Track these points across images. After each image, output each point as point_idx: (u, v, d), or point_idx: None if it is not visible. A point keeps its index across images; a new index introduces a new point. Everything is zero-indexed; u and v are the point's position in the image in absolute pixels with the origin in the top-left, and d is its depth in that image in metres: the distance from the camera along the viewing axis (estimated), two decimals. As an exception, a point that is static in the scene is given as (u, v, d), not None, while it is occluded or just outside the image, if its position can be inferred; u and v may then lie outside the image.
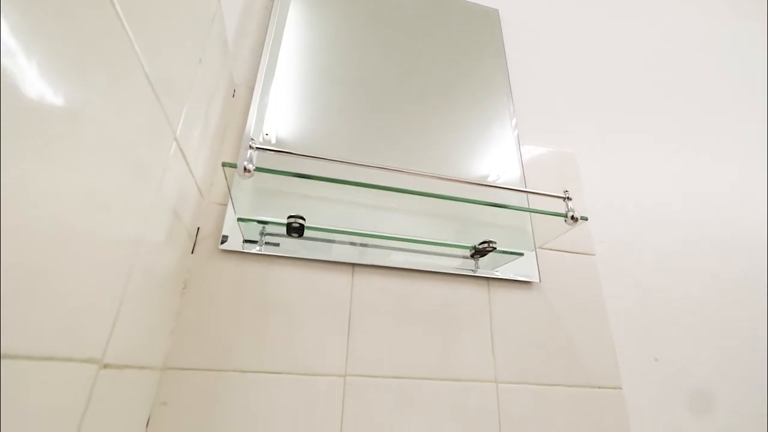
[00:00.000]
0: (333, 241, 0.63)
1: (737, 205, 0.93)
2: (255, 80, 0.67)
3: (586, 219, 0.55)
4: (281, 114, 0.68)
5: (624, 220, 0.83)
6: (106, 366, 0.34)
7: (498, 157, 0.78)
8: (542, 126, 0.88)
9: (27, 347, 0.24)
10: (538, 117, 0.88)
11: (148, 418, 0.47)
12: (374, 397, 0.55)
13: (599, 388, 0.64)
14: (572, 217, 0.54)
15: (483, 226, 0.71)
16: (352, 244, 0.64)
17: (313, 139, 0.68)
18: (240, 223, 0.58)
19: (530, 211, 0.60)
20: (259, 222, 0.59)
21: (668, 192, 0.90)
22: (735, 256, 0.86)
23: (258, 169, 0.46)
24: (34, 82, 0.22)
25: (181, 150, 0.45)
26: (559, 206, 0.57)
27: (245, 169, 0.45)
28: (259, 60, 0.70)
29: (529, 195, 0.72)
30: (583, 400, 0.62)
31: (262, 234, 0.62)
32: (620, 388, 0.65)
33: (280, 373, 0.53)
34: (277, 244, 0.60)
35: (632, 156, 0.92)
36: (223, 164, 0.45)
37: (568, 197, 0.56)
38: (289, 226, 0.57)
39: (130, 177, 0.34)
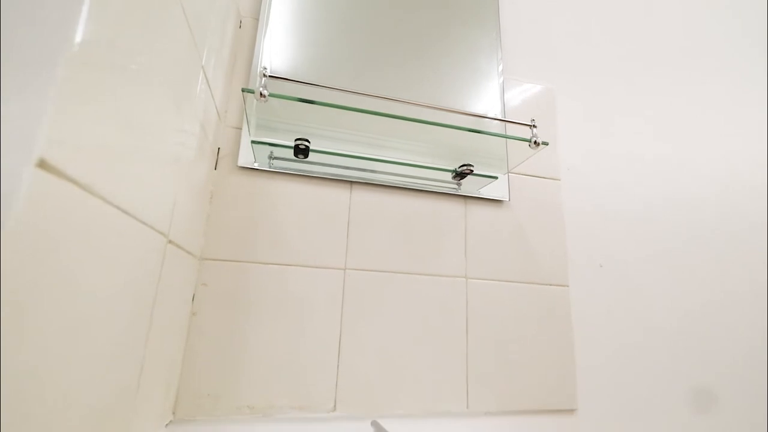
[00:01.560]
0: (333, 165, 0.73)
1: (705, 152, 1.03)
2: (259, 11, 0.72)
3: (547, 144, 0.65)
4: (278, 44, 0.74)
5: (592, 150, 0.93)
6: (170, 242, 0.46)
7: (482, 88, 0.86)
8: (526, 61, 0.94)
9: (134, 211, 0.35)
10: (524, 52, 0.94)
11: (193, 295, 0.60)
12: (369, 286, 0.69)
13: (550, 285, 0.79)
14: (535, 142, 0.64)
15: (465, 155, 0.80)
16: (348, 167, 0.74)
17: (308, 69, 0.74)
18: (253, 145, 0.68)
19: (499, 136, 0.69)
20: (270, 144, 0.68)
21: (640, 132, 0.99)
22: (689, 192, 0.98)
23: (271, 95, 0.55)
24: (93, 18, 0.30)
25: (206, 78, 0.53)
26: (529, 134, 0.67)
27: (261, 94, 0.54)
28: (261, -9, 0.74)
29: (507, 124, 0.82)
30: (535, 294, 0.78)
31: (270, 158, 0.71)
32: (567, 286, 0.81)
33: (291, 265, 0.66)
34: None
35: (612, 97, 0.99)
36: (243, 90, 0.53)
37: (534, 125, 0.66)
38: (296, 147, 0.67)
39: (172, 102, 0.43)
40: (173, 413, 0.56)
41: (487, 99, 0.86)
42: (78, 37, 0.24)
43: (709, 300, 0.91)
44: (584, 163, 0.92)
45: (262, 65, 0.58)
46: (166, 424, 0.54)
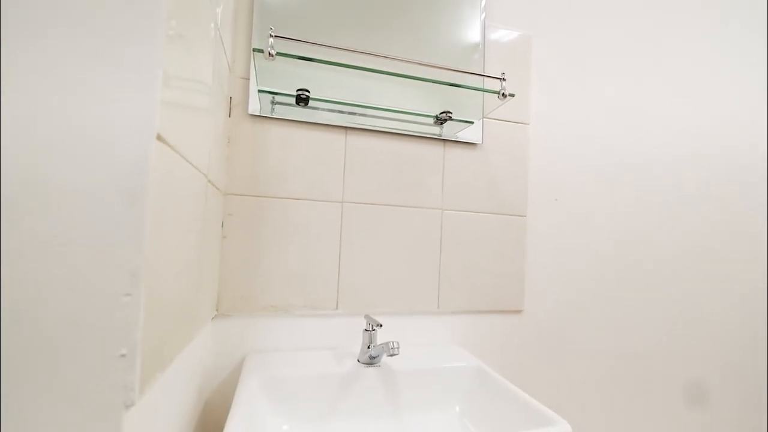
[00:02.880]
0: (331, 111, 0.83)
1: (672, 104, 1.14)
2: (256, -38, 0.76)
3: (513, 95, 0.77)
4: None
5: (561, 97, 1.04)
6: (209, 181, 0.59)
7: (465, 36, 0.93)
8: (508, 6, 0.99)
9: (192, 159, 0.47)
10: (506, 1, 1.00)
11: (222, 222, 0.75)
12: (363, 215, 0.84)
13: (510, 215, 0.96)
14: (503, 94, 0.75)
15: (445, 102, 0.91)
16: (341, 112, 0.84)
17: (303, 17, 0.81)
18: (260, 94, 0.77)
19: (472, 89, 0.80)
20: (276, 93, 0.78)
21: (609, 82, 1.08)
22: (647, 140, 1.12)
23: (278, 54, 0.64)
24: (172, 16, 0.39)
25: (219, 33, 0.61)
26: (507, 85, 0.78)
27: (269, 53, 0.63)
28: (257, -62, 0.77)
29: (485, 72, 0.91)
30: (498, 222, 0.95)
31: (272, 103, 0.81)
32: (525, 216, 0.98)
33: (298, 199, 0.80)
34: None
35: (587, 46, 1.07)
36: (254, 49, 0.62)
37: (503, 78, 0.76)
38: (298, 97, 0.77)
39: (200, 57, 0.53)
40: (216, 310, 0.74)
41: (468, 47, 0.93)
42: (162, 44, 0.35)
43: (646, 230, 1.10)
44: (552, 108, 1.03)
45: (270, 26, 0.65)
46: (213, 318, 0.73)
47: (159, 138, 0.35)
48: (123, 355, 0.32)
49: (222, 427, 0.73)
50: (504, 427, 0.64)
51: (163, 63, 0.34)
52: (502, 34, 0.98)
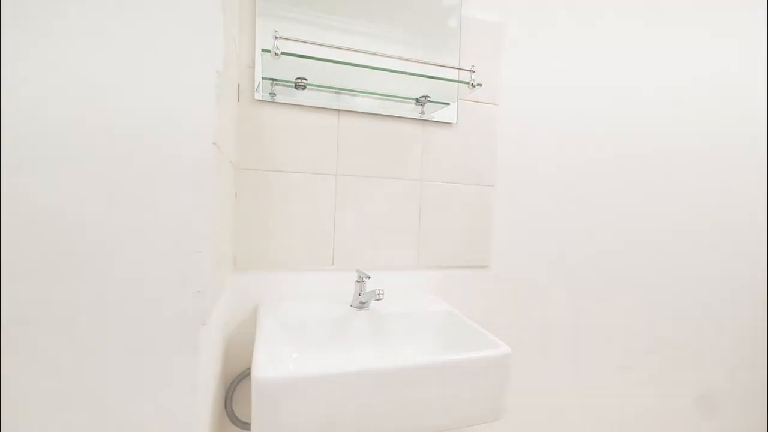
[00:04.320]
0: (322, 91, 0.95)
1: (634, 83, 1.28)
2: (256, -42, 0.84)
3: (481, 85, 0.90)
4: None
5: (528, 79, 1.17)
6: (229, 160, 0.72)
7: (443, 23, 1.04)
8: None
9: (223, 148, 0.61)
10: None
11: (236, 193, 0.89)
12: (353, 186, 0.99)
13: (481, 185, 1.12)
14: (471, 84, 0.89)
15: (428, 85, 1.03)
16: (332, 92, 0.95)
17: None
18: (263, 80, 0.89)
19: (444, 80, 0.92)
20: (278, 80, 0.89)
21: (573, 65, 1.21)
22: (604, 119, 1.26)
23: (282, 53, 0.75)
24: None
25: (227, 23, 0.72)
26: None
27: (275, 53, 0.74)
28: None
29: (461, 56, 1.03)
30: (470, 191, 1.11)
31: (272, 85, 0.92)
32: (493, 186, 1.14)
33: (299, 172, 0.94)
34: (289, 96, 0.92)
35: (556, 32, 1.18)
36: (262, 50, 0.74)
37: (473, 70, 0.89)
38: (297, 84, 0.89)
39: (216, 52, 0.64)
40: (234, 266, 0.90)
41: (447, 32, 1.04)
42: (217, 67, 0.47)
43: (603, 201, 1.28)
44: (520, 90, 1.16)
45: (275, 29, 0.75)
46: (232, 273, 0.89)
47: (215, 144, 0.48)
48: (199, 291, 0.48)
49: (238, 357, 0.92)
50: (463, 350, 0.84)
51: (216, 82, 0.47)
52: (477, 20, 1.08)
